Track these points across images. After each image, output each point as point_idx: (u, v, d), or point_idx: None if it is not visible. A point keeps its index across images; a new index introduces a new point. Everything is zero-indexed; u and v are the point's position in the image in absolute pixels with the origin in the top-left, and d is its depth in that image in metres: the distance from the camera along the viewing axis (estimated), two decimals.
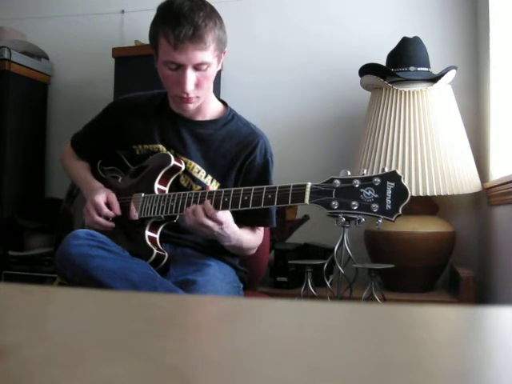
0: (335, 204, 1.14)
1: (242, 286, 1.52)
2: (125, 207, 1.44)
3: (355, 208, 1.13)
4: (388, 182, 1.11)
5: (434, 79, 2.00)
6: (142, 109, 1.53)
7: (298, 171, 2.38)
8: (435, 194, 1.91)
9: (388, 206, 1.10)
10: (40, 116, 2.77)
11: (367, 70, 2.07)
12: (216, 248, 1.49)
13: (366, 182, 1.13)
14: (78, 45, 2.77)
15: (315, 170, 2.41)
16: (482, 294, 2.01)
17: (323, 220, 1.91)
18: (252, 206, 1.24)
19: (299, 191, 1.19)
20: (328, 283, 1.71)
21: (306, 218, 2.17)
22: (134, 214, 1.41)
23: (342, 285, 1.70)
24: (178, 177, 1.47)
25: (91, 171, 1.60)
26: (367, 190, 1.12)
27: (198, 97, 1.40)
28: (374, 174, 1.14)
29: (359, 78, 2.12)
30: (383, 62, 2.10)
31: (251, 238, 1.46)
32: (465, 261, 2.18)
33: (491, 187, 1.95)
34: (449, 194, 1.93)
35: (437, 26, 2.33)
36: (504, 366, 0.27)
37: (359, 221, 1.15)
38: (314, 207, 1.19)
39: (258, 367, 0.26)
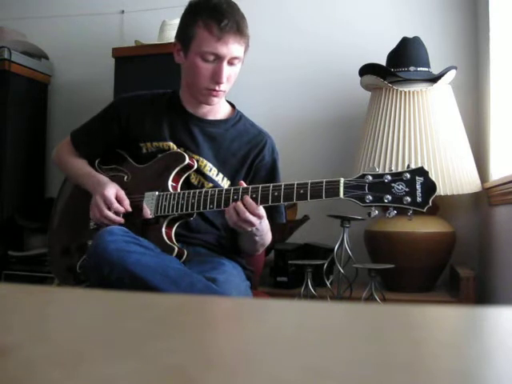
0: (369, 198, 1.21)
1: (250, 284, 1.52)
2: (136, 206, 1.43)
3: (388, 201, 1.20)
4: (417, 177, 1.19)
5: (434, 79, 2.00)
6: (149, 106, 1.52)
7: (298, 171, 2.37)
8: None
9: (419, 199, 1.18)
10: (40, 116, 2.77)
11: (367, 70, 2.07)
12: (227, 247, 1.50)
13: (397, 177, 1.20)
14: (78, 45, 2.77)
15: (315, 169, 2.41)
16: (482, 293, 2.01)
17: (323, 220, 1.91)
18: (283, 201, 1.28)
19: (333, 186, 1.23)
20: (328, 283, 1.71)
21: (305, 218, 2.17)
22: (149, 213, 1.40)
23: (341, 285, 1.70)
24: (189, 175, 1.47)
25: None
26: (398, 185, 1.20)
27: (224, 91, 1.44)
28: (403, 170, 1.22)
29: (359, 78, 2.12)
30: (383, 62, 2.10)
31: (269, 234, 1.48)
32: (465, 261, 2.17)
33: (491, 187, 1.95)
34: (449, 194, 1.93)
35: (437, 26, 2.33)
36: (504, 366, 0.27)
37: (390, 213, 1.21)
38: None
39: (258, 367, 0.26)
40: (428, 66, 2.05)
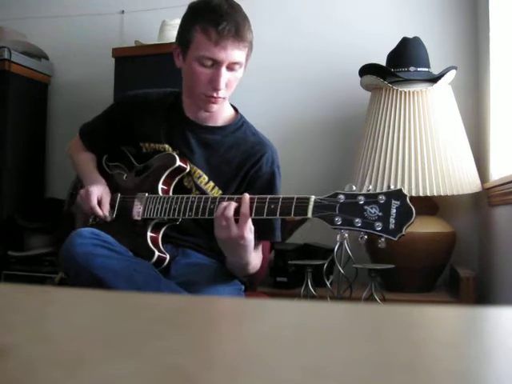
0: (338, 220, 1.13)
1: (243, 287, 1.51)
2: (128, 206, 1.43)
3: (358, 225, 1.11)
4: (393, 201, 1.09)
5: (434, 79, 2.00)
6: (152, 106, 1.51)
7: (298, 171, 2.38)
8: (435, 194, 1.91)
9: (392, 226, 1.08)
10: (40, 116, 2.77)
11: (367, 70, 2.07)
12: (216, 250, 1.48)
13: (371, 198, 1.11)
14: (78, 45, 2.77)
15: (315, 169, 2.42)
16: (482, 293, 2.01)
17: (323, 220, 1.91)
18: (254, 215, 1.22)
19: (302, 204, 1.17)
20: (328, 283, 1.71)
21: (305, 218, 2.17)
22: (137, 214, 1.40)
23: (341, 285, 1.70)
24: (182, 177, 1.45)
25: (97, 165, 1.58)
26: (371, 208, 1.10)
27: (224, 98, 1.39)
28: (380, 191, 1.12)
29: (359, 78, 2.12)
30: (383, 62, 2.10)
31: (255, 255, 1.39)
32: (465, 261, 2.17)
33: (491, 187, 1.95)
34: (449, 194, 1.93)
35: (437, 26, 2.33)
36: (504, 366, 0.27)
37: (362, 237, 1.13)
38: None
39: (258, 367, 0.26)
40: (428, 66, 2.05)
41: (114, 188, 1.50)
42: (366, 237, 1.12)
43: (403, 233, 1.08)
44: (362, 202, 1.11)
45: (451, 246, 2.02)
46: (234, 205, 1.22)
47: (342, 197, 1.14)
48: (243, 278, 1.49)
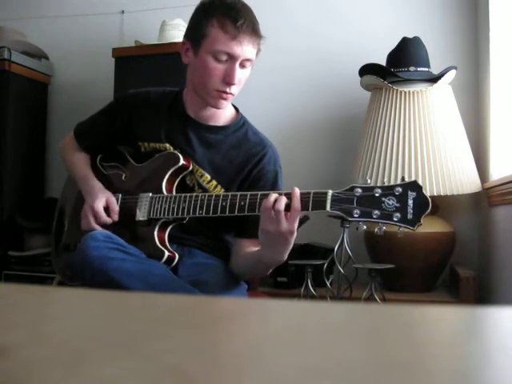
0: (357, 212, 1.15)
1: (246, 286, 1.52)
2: (131, 207, 1.42)
3: (376, 217, 1.14)
4: (409, 192, 1.13)
5: (434, 79, 2.00)
6: (153, 105, 1.50)
7: (298, 170, 2.37)
8: (435, 194, 1.91)
9: (410, 216, 1.12)
10: (40, 116, 2.77)
11: (367, 70, 2.07)
12: (222, 249, 1.49)
13: (388, 191, 1.14)
14: (78, 45, 2.77)
15: (314, 169, 2.41)
16: (482, 294, 2.01)
17: (323, 220, 1.91)
18: None
19: (320, 198, 1.18)
20: (328, 283, 1.71)
21: (305, 218, 2.16)
22: (142, 215, 1.39)
23: (342, 285, 1.70)
24: (184, 176, 1.44)
25: (91, 166, 1.57)
26: (389, 199, 1.14)
27: (233, 94, 1.39)
28: (395, 183, 1.16)
29: (359, 78, 2.12)
30: (383, 62, 2.10)
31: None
32: (465, 261, 2.17)
33: (491, 187, 1.95)
34: (449, 194, 1.93)
35: (437, 26, 2.33)
36: (504, 366, 0.27)
37: (380, 229, 1.16)
38: None
39: (258, 367, 0.26)
40: (428, 66, 2.05)
41: (112, 189, 1.48)
42: (384, 228, 1.16)
43: (421, 222, 1.12)
44: (378, 195, 1.15)
45: (451, 245, 2.02)
46: (284, 199, 1.20)
47: (358, 190, 1.16)
48: (248, 278, 1.50)
